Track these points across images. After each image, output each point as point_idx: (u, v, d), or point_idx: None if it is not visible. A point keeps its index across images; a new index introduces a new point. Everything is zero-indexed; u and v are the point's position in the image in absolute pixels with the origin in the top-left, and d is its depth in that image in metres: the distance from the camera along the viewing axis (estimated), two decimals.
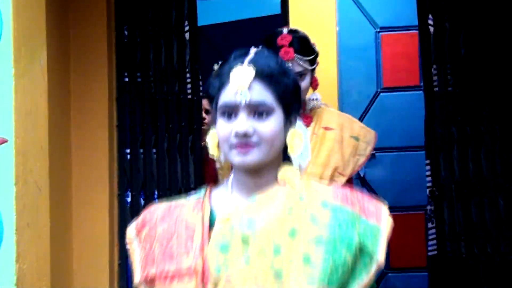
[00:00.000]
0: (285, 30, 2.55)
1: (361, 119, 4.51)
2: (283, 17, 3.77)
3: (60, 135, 3.33)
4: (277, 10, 3.91)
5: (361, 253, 1.38)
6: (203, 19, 3.76)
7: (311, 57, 2.54)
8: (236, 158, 1.41)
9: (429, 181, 3.47)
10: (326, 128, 2.59)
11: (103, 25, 3.54)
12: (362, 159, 2.62)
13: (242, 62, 1.44)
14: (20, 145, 2.30)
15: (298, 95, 1.51)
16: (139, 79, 3.61)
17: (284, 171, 1.46)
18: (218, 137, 1.45)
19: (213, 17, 4.02)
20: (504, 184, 3.34)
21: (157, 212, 1.49)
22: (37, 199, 2.43)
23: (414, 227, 4.32)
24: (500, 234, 3.33)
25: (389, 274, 4.70)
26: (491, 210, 3.35)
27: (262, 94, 1.41)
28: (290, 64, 2.42)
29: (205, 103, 3.57)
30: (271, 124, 1.42)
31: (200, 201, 1.49)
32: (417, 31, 3.65)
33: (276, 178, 1.46)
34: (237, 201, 1.45)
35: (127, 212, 3.56)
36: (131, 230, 1.51)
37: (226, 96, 1.43)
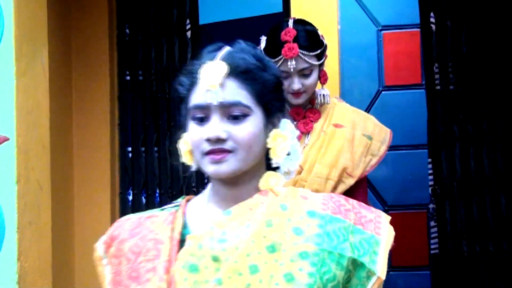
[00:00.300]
0: (290, 22, 2.35)
1: None
2: (284, 16, 3.75)
3: (61, 134, 3.33)
4: (279, 8, 3.90)
5: (355, 267, 1.22)
6: (204, 18, 3.75)
7: (317, 52, 2.33)
8: (209, 167, 1.24)
9: (431, 180, 3.47)
10: (336, 125, 2.40)
11: (104, 24, 3.54)
12: (375, 159, 2.42)
13: (214, 57, 1.27)
14: (22, 144, 2.30)
15: (280, 91, 1.33)
16: (140, 78, 3.61)
17: (266, 178, 1.30)
18: (191, 143, 1.28)
19: (214, 15, 4.00)
20: (506, 182, 3.33)
21: (126, 226, 1.34)
22: (39, 198, 2.43)
23: (416, 225, 4.29)
24: (502, 232, 3.32)
25: (391, 272, 4.68)
26: (493, 209, 3.34)
27: (237, 93, 1.24)
28: (293, 62, 2.28)
29: None
30: (248, 127, 1.24)
31: (173, 213, 1.33)
32: (419, 30, 3.65)
33: (257, 188, 1.30)
34: (212, 214, 1.29)
35: (128, 211, 3.56)
36: (99, 247, 1.38)
37: (197, 97, 1.25)
